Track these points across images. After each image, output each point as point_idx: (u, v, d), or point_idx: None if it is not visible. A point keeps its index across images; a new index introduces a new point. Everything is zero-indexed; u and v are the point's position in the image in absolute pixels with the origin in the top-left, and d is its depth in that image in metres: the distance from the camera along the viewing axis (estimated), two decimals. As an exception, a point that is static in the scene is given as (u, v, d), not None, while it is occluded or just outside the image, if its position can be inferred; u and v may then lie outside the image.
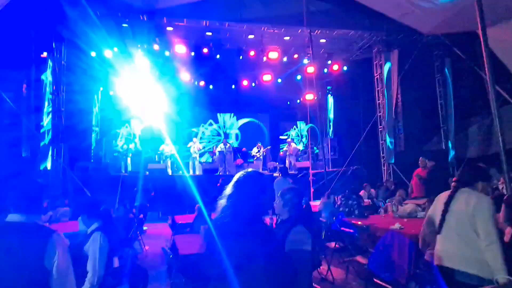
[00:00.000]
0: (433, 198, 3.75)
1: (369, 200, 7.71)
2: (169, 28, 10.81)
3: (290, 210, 2.07)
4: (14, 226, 1.58)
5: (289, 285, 1.58)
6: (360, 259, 3.89)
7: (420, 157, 6.03)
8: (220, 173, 11.15)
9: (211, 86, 14.29)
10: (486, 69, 4.50)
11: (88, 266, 2.11)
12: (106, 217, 2.37)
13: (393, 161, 11.07)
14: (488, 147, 10.48)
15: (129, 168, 11.81)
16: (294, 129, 16.75)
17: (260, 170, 11.80)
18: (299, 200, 2.13)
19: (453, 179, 5.41)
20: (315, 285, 4.07)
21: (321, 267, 4.27)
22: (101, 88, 12.91)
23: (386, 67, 11.27)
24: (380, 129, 11.55)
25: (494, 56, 7.70)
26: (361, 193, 7.95)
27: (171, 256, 3.21)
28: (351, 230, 3.94)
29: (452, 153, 11.24)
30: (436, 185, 5.23)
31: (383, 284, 3.88)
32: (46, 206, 6.21)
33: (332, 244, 4.69)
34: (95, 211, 2.35)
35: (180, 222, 5.61)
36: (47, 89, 9.30)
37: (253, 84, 14.07)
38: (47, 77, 9.28)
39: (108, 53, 10.83)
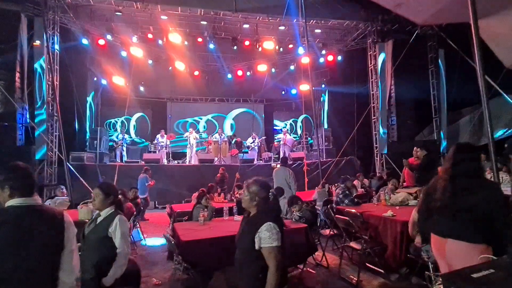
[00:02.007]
0: (425, 187, 3.91)
1: (362, 189, 7.91)
2: (163, 17, 10.68)
3: (258, 205, 2.00)
4: (31, 208, 1.65)
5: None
6: (353, 245, 4.05)
7: (415, 147, 6.14)
8: (216, 163, 11.23)
9: (206, 76, 14.24)
10: (476, 58, 4.59)
11: (120, 244, 2.30)
12: (119, 202, 2.50)
13: (386, 151, 11.26)
14: (479, 138, 10.73)
15: (125, 158, 11.81)
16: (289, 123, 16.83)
17: (255, 161, 11.94)
18: (266, 194, 2.03)
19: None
20: (310, 270, 4.24)
21: (316, 253, 4.43)
22: (95, 78, 12.78)
23: (380, 58, 11.35)
24: (373, 120, 11.70)
25: (487, 48, 7.83)
26: (355, 182, 8.13)
27: (173, 242, 3.32)
28: (346, 218, 4.08)
29: (444, 143, 11.48)
30: (427, 175, 5.38)
31: (375, 268, 4.06)
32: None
33: (327, 231, 4.86)
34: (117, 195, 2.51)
35: (178, 211, 5.71)
36: (41, 78, 9.18)
37: (248, 74, 14.06)
38: (41, 65, 9.15)
39: (102, 41, 10.70)
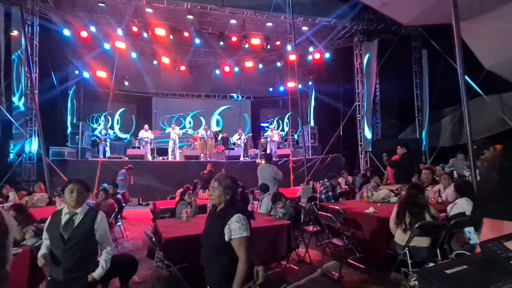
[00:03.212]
0: (406, 185, 3.98)
1: (346, 186, 8.01)
2: (149, 10, 10.47)
3: (229, 198, 2.01)
4: None
5: None
6: (336, 241, 4.08)
7: (398, 146, 6.23)
8: (202, 160, 11.14)
9: (192, 72, 14.06)
10: (457, 59, 4.70)
11: (106, 239, 2.45)
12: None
13: (370, 149, 11.44)
14: (459, 137, 11.04)
15: (108, 153, 11.55)
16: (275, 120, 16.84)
17: (241, 157, 11.90)
18: (236, 188, 2.09)
19: (425, 166, 5.66)
20: (293, 266, 4.26)
21: (299, 249, 4.46)
22: (77, 71, 12.41)
23: (366, 57, 11.49)
24: (358, 118, 11.86)
25: (469, 50, 8.03)
26: (339, 179, 8.23)
27: (153, 239, 3.26)
28: (328, 215, 4.11)
29: (425, 142, 11.75)
30: (405, 172, 5.49)
31: (357, 264, 4.12)
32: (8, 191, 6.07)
33: (310, 228, 4.89)
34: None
35: (161, 208, 5.62)
36: (19, 70, 8.83)
37: (236, 70, 13.97)
38: (19, 57, 8.80)
39: (84, 33, 10.39)
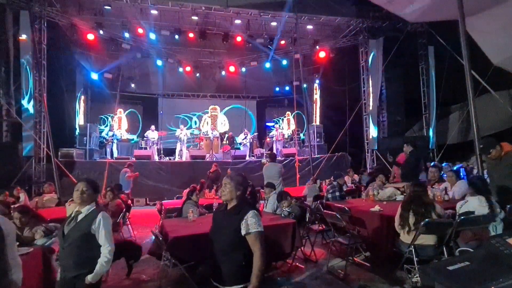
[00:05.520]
0: (412, 183, 3.96)
1: (352, 185, 7.99)
2: (154, 11, 10.56)
3: (241, 195, 2.06)
4: None
5: None
6: (341, 239, 4.09)
7: (405, 144, 6.19)
8: (208, 159, 11.20)
9: (197, 73, 14.13)
10: (463, 54, 4.66)
11: (105, 241, 2.28)
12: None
13: (376, 147, 11.36)
14: (467, 133, 10.91)
15: (115, 154, 11.69)
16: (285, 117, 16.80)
17: (247, 157, 11.93)
18: (247, 185, 2.15)
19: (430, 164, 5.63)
20: (299, 265, 4.27)
21: (305, 248, 4.47)
22: (84, 73, 12.57)
23: (371, 55, 11.41)
24: (364, 116, 11.79)
25: (476, 46, 7.94)
26: (345, 178, 8.20)
27: (160, 238, 3.30)
28: (334, 213, 4.12)
29: (433, 139, 11.63)
30: (411, 171, 5.44)
31: (362, 262, 4.12)
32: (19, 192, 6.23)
33: (316, 226, 4.90)
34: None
35: (168, 207, 5.68)
36: (28, 73, 8.98)
37: (241, 70, 14.00)
38: (28, 60, 8.94)
39: (91, 36, 10.51)
